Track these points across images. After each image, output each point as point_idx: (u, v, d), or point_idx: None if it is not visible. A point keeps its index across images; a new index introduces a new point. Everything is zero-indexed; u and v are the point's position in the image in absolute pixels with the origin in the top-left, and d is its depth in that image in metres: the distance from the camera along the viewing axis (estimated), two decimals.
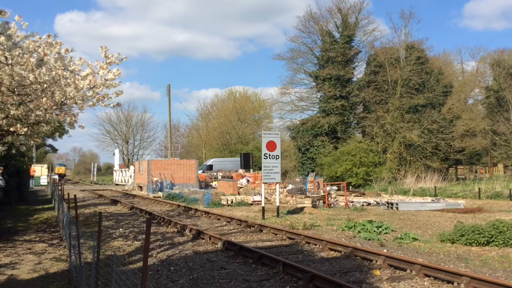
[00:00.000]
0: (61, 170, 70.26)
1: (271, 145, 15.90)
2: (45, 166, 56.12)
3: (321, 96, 39.42)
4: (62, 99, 8.32)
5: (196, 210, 17.96)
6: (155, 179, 29.84)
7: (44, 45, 7.37)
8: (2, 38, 6.15)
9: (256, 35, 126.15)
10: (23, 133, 8.46)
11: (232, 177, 32.41)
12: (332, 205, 19.59)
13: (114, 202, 23.79)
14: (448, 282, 6.94)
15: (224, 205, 20.15)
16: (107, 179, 65.63)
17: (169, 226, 13.82)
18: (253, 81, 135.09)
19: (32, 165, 49.65)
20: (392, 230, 12.17)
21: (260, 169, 21.84)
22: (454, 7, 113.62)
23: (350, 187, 30.88)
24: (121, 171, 50.24)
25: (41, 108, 8.01)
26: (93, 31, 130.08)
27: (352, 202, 21.02)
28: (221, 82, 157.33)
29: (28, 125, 8.54)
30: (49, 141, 57.84)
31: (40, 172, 50.66)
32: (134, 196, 28.09)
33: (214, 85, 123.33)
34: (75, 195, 10.48)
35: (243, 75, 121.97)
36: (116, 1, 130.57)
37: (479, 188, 23.66)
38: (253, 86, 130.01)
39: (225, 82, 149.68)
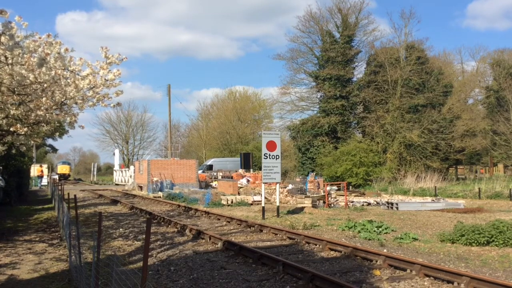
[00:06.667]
0: (65, 169, 62.23)
1: (271, 145, 15.90)
2: (45, 166, 55.76)
3: (321, 96, 39.41)
4: (62, 99, 8.33)
5: (196, 210, 17.96)
6: (155, 179, 29.84)
7: (44, 44, 7.37)
8: (3, 38, 6.15)
9: (259, 35, 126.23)
10: (23, 133, 8.46)
11: (232, 177, 32.41)
12: (332, 205, 19.59)
13: (114, 202, 23.79)
14: (448, 282, 6.94)
15: (224, 205, 20.14)
16: (107, 179, 65.52)
17: (169, 226, 13.83)
18: (255, 81, 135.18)
19: (38, 165, 49.54)
20: (392, 230, 12.18)
21: (260, 169, 21.85)
22: (457, 7, 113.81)
23: (350, 187, 30.87)
24: (121, 171, 50.19)
25: (41, 108, 8.01)
26: (95, 31, 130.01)
27: (352, 202, 21.01)
28: (224, 82, 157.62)
29: (28, 125, 8.54)
30: (49, 141, 57.56)
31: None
32: (134, 196, 28.08)
33: (216, 85, 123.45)
34: (75, 195, 10.47)
35: (246, 75, 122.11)
36: (118, 1, 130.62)
37: (479, 188, 23.65)
38: (255, 86, 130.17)
39: (228, 82, 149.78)
